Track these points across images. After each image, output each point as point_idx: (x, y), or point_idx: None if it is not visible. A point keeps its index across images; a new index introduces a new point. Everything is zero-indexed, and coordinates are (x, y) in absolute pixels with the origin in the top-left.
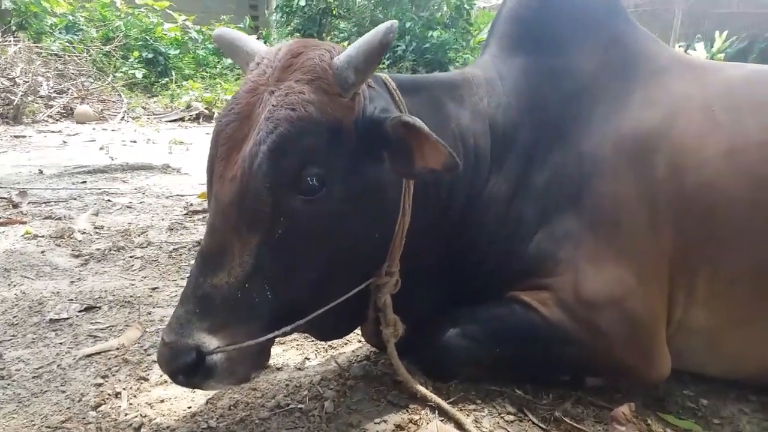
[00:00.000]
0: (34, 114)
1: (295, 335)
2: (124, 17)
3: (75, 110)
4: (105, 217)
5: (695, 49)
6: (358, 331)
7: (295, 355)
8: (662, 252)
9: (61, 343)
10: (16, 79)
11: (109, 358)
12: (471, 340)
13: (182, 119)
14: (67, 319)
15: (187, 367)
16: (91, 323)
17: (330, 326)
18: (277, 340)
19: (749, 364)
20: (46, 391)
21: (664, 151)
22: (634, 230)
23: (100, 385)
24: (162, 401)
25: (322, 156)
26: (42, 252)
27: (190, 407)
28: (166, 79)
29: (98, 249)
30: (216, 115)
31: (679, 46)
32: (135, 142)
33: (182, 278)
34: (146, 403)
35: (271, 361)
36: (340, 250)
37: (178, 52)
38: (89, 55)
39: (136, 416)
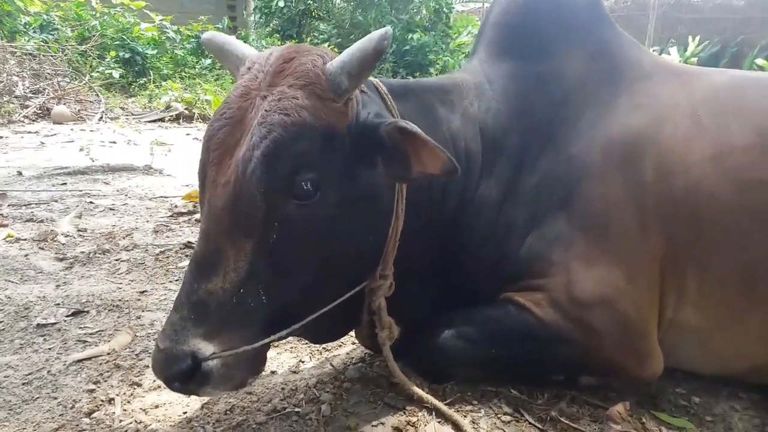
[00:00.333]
0: (10, 114)
1: (288, 338)
2: (100, 17)
3: (52, 110)
4: (88, 220)
5: (669, 53)
6: (352, 332)
7: (290, 357)
8: (652, 253)
9: (50, 349)
10: None
11: (101, 364)
12: (466, 341)
13: (162, 119)
14: (55, 324)
15: (182, 374)
16: (80, 328)
17: (325, 329)
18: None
19: (740, 363)
20: (38, 397)
21: (651, 155)
22: (624, 232)
23: (92, 391)
24: (156, 407)
25: (316, 161)
26: (25, 255)
27: (185, 412)
28: (144, 79)
29: (83, 252)
30: (196, 115)
31: (653, 50)
32: (115, 142)
33: (170, 281)
34: (140, 408)
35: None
36: (335, 254)
37: (155, 52)
38: (65, 55)
39: (131, 422)
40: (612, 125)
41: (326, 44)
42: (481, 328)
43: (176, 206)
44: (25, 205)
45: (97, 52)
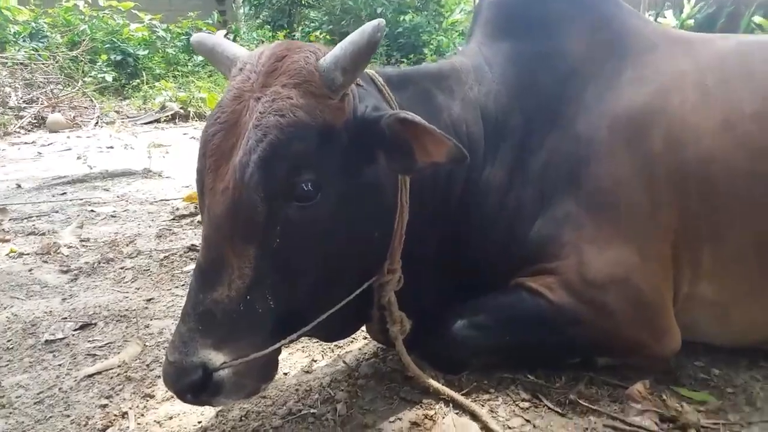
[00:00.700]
0: (5, 126)
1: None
2: (89, 20)
3: (47, 119)
4: (90, 229)
5: (665, 17)
6: (363, 327)
7: (302, 357)
8: (664, 228)
9: (59, 365)
10: None
11: (112, 377)
12: (480, 329)
13: (158, 120)
14: (63, 338)
15: (194, 386)
16: (89, 341)
17: (335, 328)
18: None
19: (759, 332)
20: (50, 417)
21: (660, 127)
22: (635, 209)
23: (105, 406)
24: (170, 418)
25: (315, 161)
26: (29, 270)
27: (200, 422)
28: (138, 80)
29: (87, 262)
30: (192, 113)
31: (649, 15)
32: (112, 147)
33: (176, 287)
34: (155, 421)
35: None
36: (340, 254)
37: (147, 52)
38: (56, 62)
39: None
40: (618, 99)
41: (318, 32)
42: (494, 315)
43: (178, 208)
44: (26, 218)
45: (89, 57)
